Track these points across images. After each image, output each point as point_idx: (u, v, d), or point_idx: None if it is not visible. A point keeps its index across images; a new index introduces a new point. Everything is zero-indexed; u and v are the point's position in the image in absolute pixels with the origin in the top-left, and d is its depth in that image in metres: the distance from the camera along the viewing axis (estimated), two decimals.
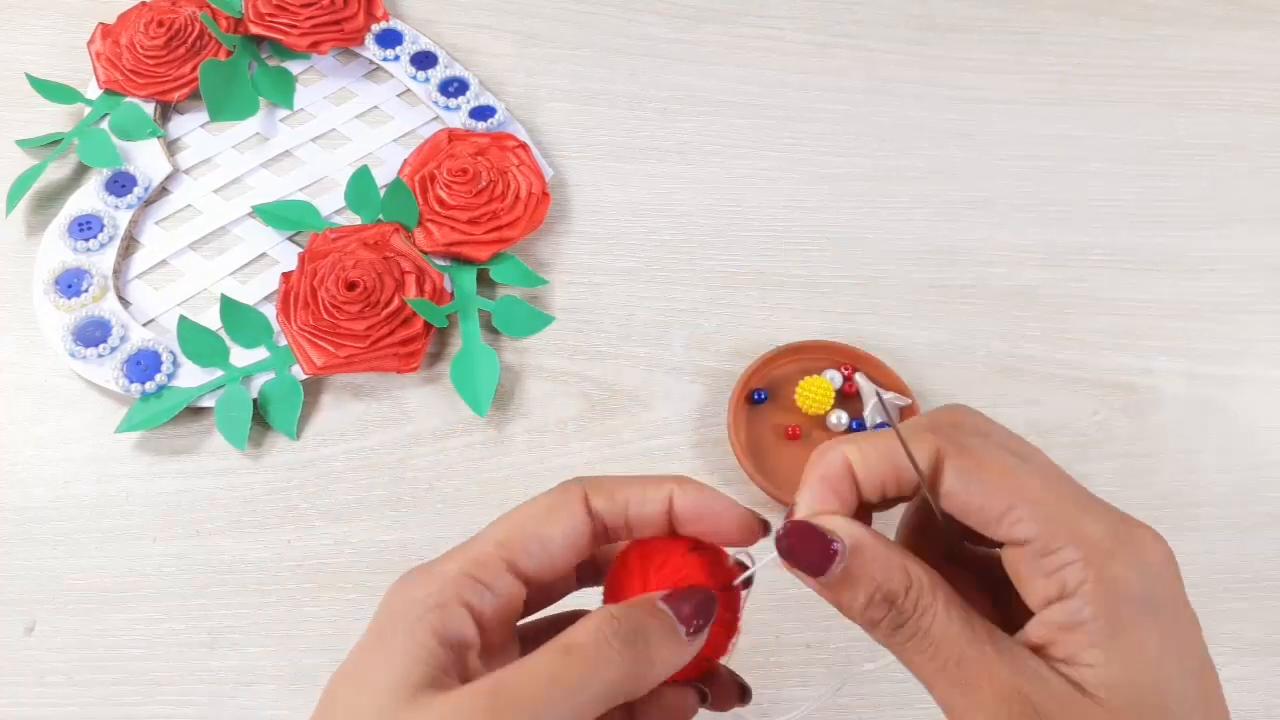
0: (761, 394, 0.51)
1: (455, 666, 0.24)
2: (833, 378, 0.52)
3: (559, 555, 0.27)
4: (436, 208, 0.56)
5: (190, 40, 0.60)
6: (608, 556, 0.29)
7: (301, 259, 0.53)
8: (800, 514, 0.27)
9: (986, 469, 0.25)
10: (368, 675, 0.24)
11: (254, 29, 0.62)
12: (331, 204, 0.57)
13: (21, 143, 0.58)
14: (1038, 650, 0.24)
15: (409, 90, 0.62)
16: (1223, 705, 0.24)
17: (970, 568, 0.28)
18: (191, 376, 0.51)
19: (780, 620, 0.47)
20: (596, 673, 0.24)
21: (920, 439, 0.26)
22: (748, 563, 0.28)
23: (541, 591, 0.28)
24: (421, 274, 0.54)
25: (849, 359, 0.52)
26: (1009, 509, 0.24)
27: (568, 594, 0.31)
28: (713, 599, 0.26)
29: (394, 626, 0.25)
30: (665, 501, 0.27)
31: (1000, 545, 0.25)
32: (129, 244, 0.56)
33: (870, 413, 0.51)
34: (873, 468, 0.26)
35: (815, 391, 0.50)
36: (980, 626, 0.24)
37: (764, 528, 0.28)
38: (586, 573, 0.31)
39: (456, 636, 0.25)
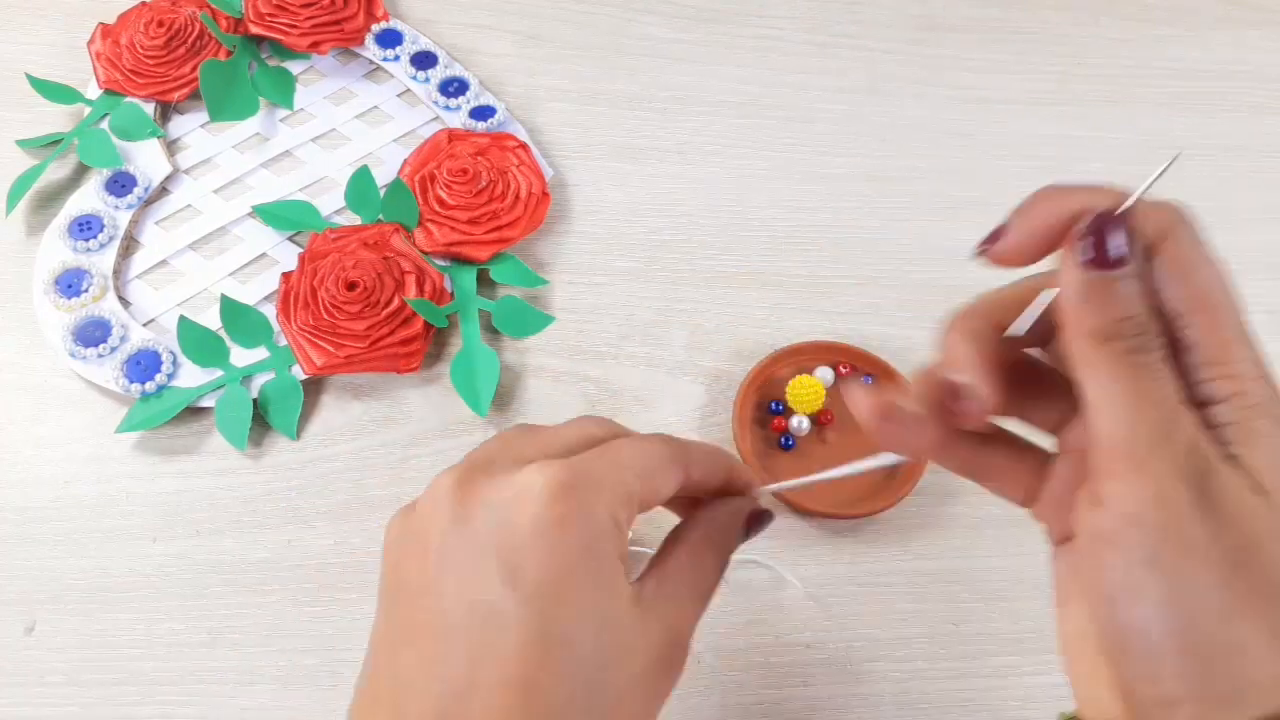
0: (789, 441, 0.51)
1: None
2: (825, 376, 0.52)
3: (656, 505, 0.30)
4: (436, 208, 0.56)
5: (190, 40, 0.60)
6: None
7: (301, 259, 0.53)
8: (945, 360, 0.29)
9: (1198, 266, 0.25)
10: (594, 589, 0.27)
11: (254, 29, 0.62)
12: (331, 204, 0.57)
13: (21, 143, 0.58)
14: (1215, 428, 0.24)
15: (409, 90, 0.62)
16: None
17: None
18: (191, 376, 0.51)
19: (780, 620, 0.47)
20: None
21: (1160, 208, 0.25)
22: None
23: None
24: (421, 274, 0.54)
25: (849, 359, 0.53)
26: (1191, 312, 0.24)
27: None
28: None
29: (601, 549, 0.27)
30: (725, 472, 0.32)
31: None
32: (129, 244, 0.56)
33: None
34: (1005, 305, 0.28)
35: (805, 390, 0.50)
36: (1187, 403, 0.24)
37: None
38: None
39: (626, 558, 0.28)
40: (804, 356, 0.53)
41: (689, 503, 0.33)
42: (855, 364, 0.52)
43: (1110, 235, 0.24)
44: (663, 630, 0.28)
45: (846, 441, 0.51)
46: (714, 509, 0.32)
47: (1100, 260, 0.24)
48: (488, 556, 0.27)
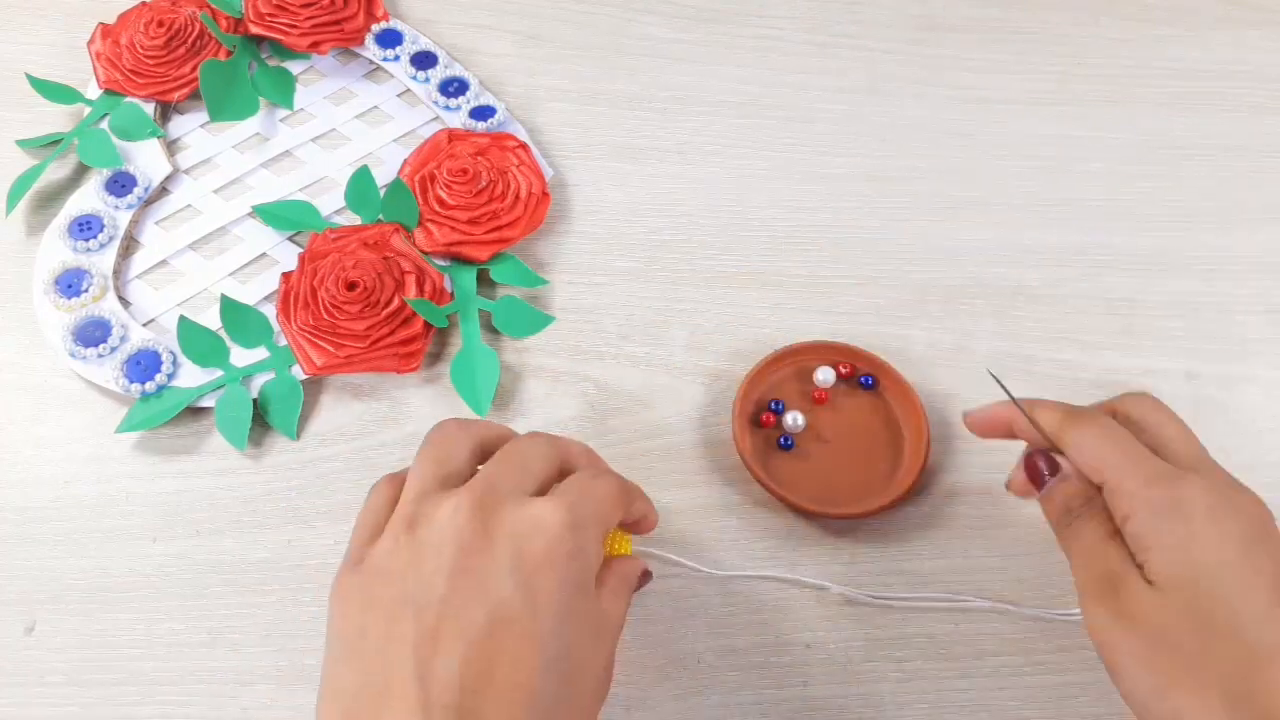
0: (788, 441, 0.51)
1: None
2: (825, 376, 0.52)
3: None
4: (436, 208, 0.56)
5: (190, 40, 0.60)
6: None
7: (301, 259, 0.54)
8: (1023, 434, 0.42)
9: (1085, 432, 0.38)
10: (585, 610, 0.34)
11: (254, 29, 0.62)
12: (331, 204, 0.58)
13: (21, 143, 0.58)
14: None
15: (409, 90, 0.62)
16: None
17: None
18: (191, 376, 0.51)
19: (780, 620, 0.47)
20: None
21: (1052, 407, 0.40)
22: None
23: None
24: (421, 274, 0.54)
25: (849, 359, 0.53)
26: (1094, 460, 0.37)
27: None
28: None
29: (590, 577, 0.35)
30: None
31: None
32: (129, 244, 0.56)
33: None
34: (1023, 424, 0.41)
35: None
36: (1111, 537, 0.36)
37: None
38: None
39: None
40: (804, 356, 0.53)
41: None
42: (855, 364, 0.52)
43: (1038, 466, 0.40)
44: (610, 647, 0.35)
45: (842, 439, 0.51)
46: (623, 564, 0.38)
47: (1037, 481, 0.40)
48: (505, 575, 0.32)
